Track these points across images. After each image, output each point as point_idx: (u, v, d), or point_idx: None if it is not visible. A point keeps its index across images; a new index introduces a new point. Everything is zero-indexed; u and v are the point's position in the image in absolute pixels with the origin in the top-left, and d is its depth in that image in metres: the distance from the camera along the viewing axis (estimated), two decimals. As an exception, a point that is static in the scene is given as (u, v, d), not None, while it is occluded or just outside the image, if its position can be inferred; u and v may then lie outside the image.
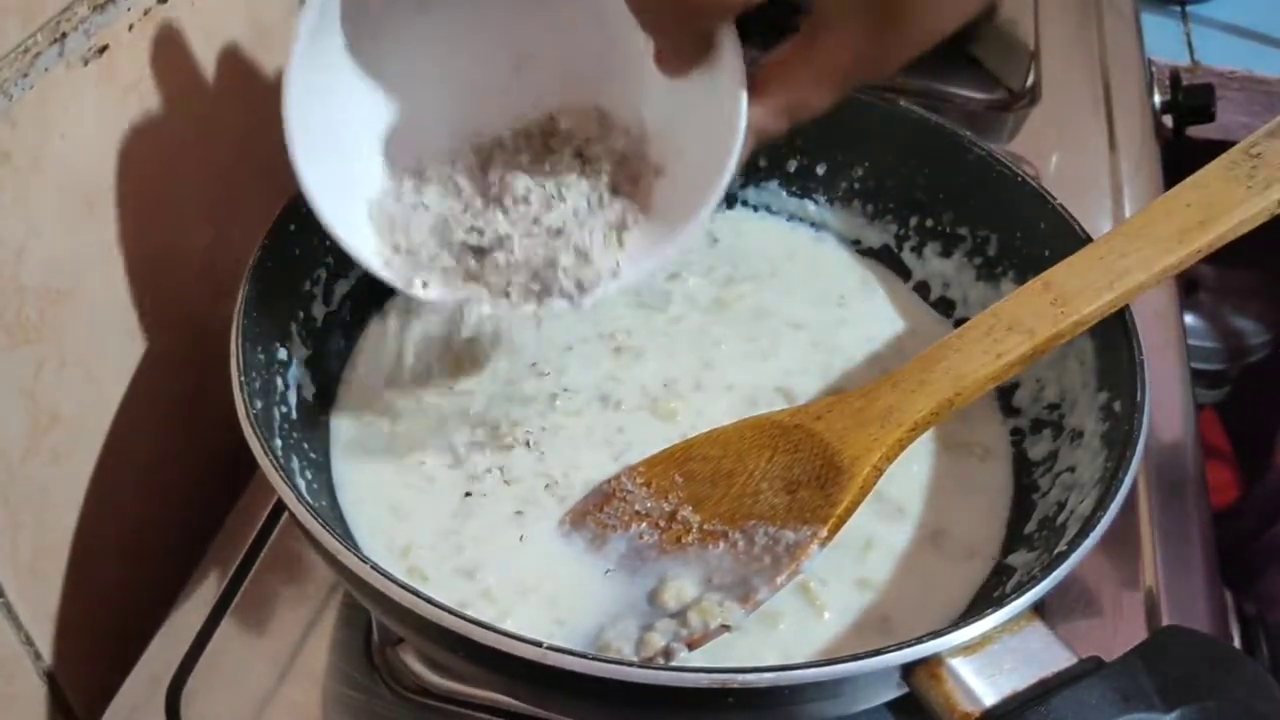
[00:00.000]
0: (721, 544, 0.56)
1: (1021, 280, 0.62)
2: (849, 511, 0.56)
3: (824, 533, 0.55)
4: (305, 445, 0.60)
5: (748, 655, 0.54)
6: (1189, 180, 0.59)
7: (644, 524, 0.58)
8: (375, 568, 0.47)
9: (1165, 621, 0.63)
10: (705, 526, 0.57)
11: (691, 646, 0.52)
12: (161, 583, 0.67)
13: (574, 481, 0.62)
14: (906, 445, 0.58)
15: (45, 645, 0.62)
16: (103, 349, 0.62)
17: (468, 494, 0.61)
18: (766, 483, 0.58)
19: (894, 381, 0.59)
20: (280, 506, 0.67)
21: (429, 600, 0.46)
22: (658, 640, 0.53)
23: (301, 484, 0.55)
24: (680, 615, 0.54)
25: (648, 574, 0.57)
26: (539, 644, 0.44)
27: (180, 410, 0.70)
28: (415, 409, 0.65)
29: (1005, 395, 0.66)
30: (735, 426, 0.62)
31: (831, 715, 0.49)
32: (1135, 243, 0.58)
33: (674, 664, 0.45)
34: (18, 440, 0.57)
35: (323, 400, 0.65)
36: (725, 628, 0.53)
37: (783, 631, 0.56)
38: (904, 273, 0.73)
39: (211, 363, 0.67)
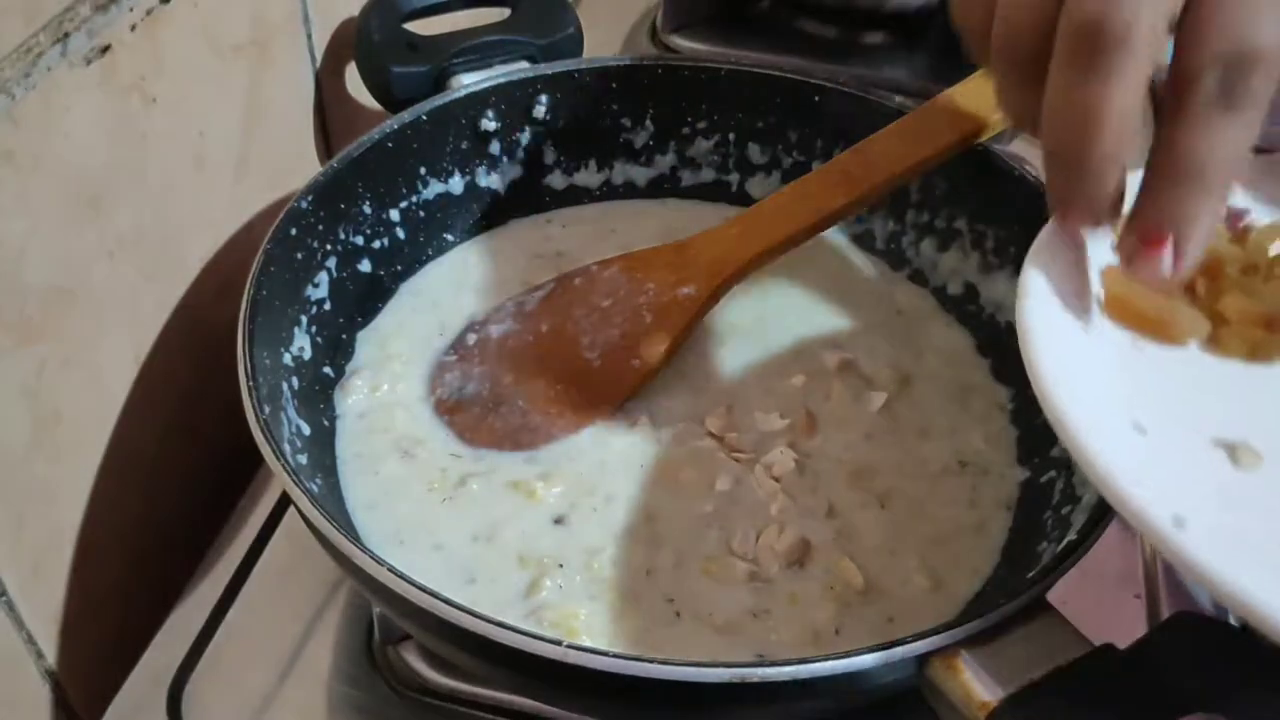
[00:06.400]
0: None
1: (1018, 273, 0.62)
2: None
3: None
4: (314, 447, 0.61)
5: (747, 654, 0.55)
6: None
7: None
8: (394, 570, 0.47)
9: (1165, 614, 0.64)
10: None
11: None
12: (163, 581, 0.67)
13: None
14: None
15: (47, 644, 0.61)
16: (105, 348, 0.62)
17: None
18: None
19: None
20: (281, 506, 0.67)
21: (449, 602, 0.46)
22: None
23: (314, 489, 0.55)
24: None
25: None
26: (558, 643, 0.45)
27: (181, 410, 0.70)
28: (422, 410, 0.65)
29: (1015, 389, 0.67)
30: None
31: (844, 709, 0.49)
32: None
33: (692, 660, 0.46)
34: (20, 439, 0.57)
35: (328, 404, 0.65)
36: None
37: (782, 633, 0.56)
38: (902, 265, 0.74)
39: (213, 362, 0.68)
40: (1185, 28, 0.42)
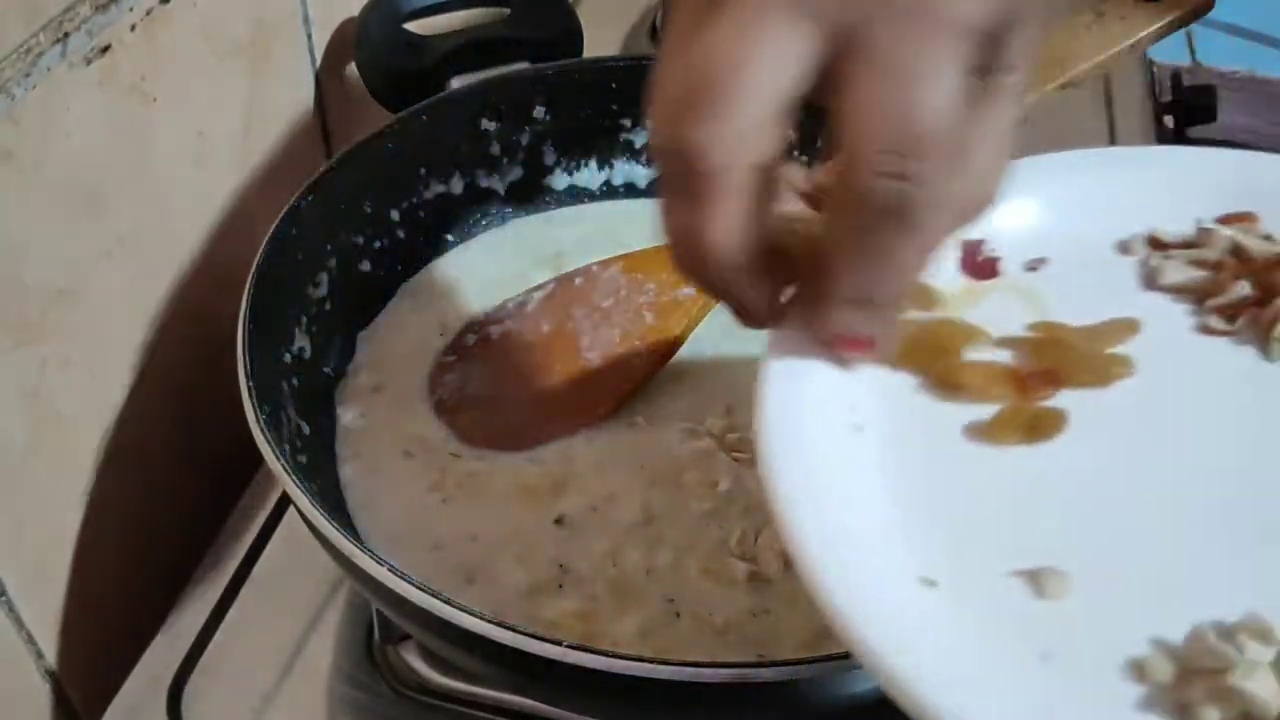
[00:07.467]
0: None
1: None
2: None
3: None
4: (314, 447, 0.61)
5: (747, 654, 0.55)
6: None
7: None
8: (394, 570, 0.47)
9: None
10: None
11: None
12: (163, 581, 0.67)
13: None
14: None
15: (47, 644, 0.61)
16: (105, 348, 0.62)
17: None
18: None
19: None
20: (281, 506, 0.67)
21: (449, 602, 0.46)
22: None
23: (314, 489, 0.55)
24: None
25: None
26: (558, 643, 0.45)
27: (181, 410, 0.70)
28: (422, 410, 0.65)
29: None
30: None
31: (844, 710, 0.49)
32: None
33: (692, 660, 0.46)
34: (20, 439, 0.57)
35: (329, 404, 0.65)
36: None
37: (782, 633, 0.56)
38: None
39: (212, 362, 0.68)
40: (836, 120, 0.35)
